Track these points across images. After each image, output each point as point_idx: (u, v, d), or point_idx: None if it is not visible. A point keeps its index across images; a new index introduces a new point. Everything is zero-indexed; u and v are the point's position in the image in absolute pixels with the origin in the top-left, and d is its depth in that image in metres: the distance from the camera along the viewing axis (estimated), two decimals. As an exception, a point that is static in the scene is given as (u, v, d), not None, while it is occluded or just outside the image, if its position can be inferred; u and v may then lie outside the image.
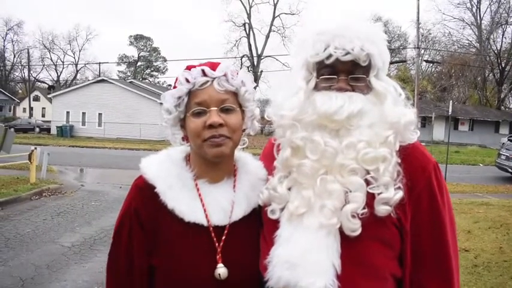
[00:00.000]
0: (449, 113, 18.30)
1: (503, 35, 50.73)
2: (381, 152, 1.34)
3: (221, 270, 1.40)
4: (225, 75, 1.42)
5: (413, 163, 1.40)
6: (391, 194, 1.32)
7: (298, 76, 1.47)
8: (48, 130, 40.87)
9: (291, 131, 1.42)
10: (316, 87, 1.43)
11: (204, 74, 1.42)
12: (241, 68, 1.51)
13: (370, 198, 1.32)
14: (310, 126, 1.40)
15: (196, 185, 1.48)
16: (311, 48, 1.42)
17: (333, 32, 1.39)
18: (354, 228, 1.30)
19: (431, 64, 49.95)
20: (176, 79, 1.47)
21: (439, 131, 39.70)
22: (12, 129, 14.27)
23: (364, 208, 1.30)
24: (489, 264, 6.02)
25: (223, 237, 1.45)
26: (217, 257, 1.42)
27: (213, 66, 1.44)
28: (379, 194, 1.32)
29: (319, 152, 1.36)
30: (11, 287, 5.23)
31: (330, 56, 1.37)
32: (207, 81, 1.41)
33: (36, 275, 5.65)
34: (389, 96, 1.41)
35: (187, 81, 1.42)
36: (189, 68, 1.46)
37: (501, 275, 5.65)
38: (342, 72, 1.39)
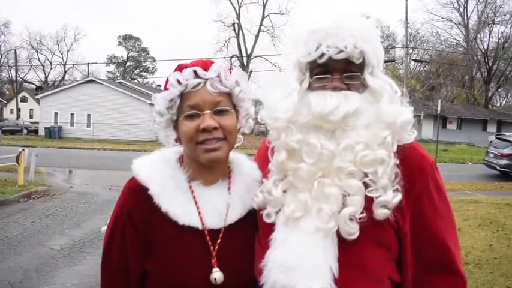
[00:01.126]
0: (438, 112, 18.48)
1: (490, 34, 51.31)
2: (379, 154, 1.31)
3: (217, 275, 1.37)
4: (218, 75, 1.38)
5: (411, 164, 1.37)
6: (389, 197, 1.29)
7: (291, 77, 1.44)
8: (36, 131, 40.41)
9: (286, 133, 1.38)
10: (310, 88, 1.40)
11: (196, 75, 1.37)
12: (230, 69, 1.46)
13: (369, 201, 1.30)
14: (305, 128, 1.37)
15: (190, 187, 1.44)
16: (303, 47, 1.39)
17: (324, 30, 1.36)
18: (352, 231, 1.28)
19: (419, 63, 50.34)
20: (167, 80, 1.42)
21: (427, 130, 39.97)
22: (-1, 131, 14.09)
23: (362, 212, 1.28)
24: (480, 262, 6.06)
25: (219, 241, 1.41)
26: (213, 260, 1.39)
27: (206, 65, 1.39)
28: (377, 197, 1.29)
29: (315, 155, 1.33)
30: (-1, 291, 5.16)
31: (323, 55, 1.34)
32: (200, 83, 1.37)
33: (24, 278, 5.56)
34: (385, 94, 1.39)
35: (179, 82, 1.37)
36: (180, 68, 1.41)
37: (491, 272, 5.69)
38: (336, 71, 1.36)
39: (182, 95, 1.39)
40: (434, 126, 37.82)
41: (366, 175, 1.32)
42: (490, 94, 52.20)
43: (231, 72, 1.43)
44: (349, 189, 1.30)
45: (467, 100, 52.44)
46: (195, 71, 1.37)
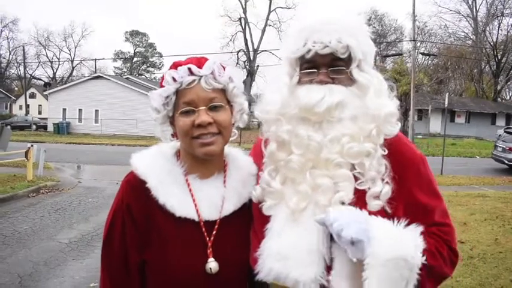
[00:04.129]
0: (446, 106, 18.34)
1: (499, 26, 50.72)
2: (365, 146, 1.36)
3: (212, 265, 1.42)
4: (212, 72, 1.42)
5: (401, 157, 1.42)
6: (379, 188, 1.34)
7: (283, 72, 1.51)
8: (44, 127, 40.78)
9: (276, 125, 1.44)
10: (300, 82, 1.45)
11: (190, 72, 1.41)
12: (237, 63, 1.51)
13: (362, 193, 1.35)
14: (294, 120, 1.42)
15: (186, 180, 1.49)
16: (292, 44, 1.45)
17: (311, 27, 1.42)
18: None
19: (427, 57, 49.73)
20: (163, 77, 1.47)
21: (435, 124, 39.75)
22: (8, 127, 14.25)
23: (352, 197, 1.33)
24: (484, 256, 6.05)
25: (214, 232, 1.46)
26: (208, 251, 1.44)
27: (200, 63, 1.44)
28: (368, 189, 1.34)
29: (303, 146, 1.38)
30: (9, 283, 5.25)
31: (309, 50, 1.40)
32: (194, 80, 1.41)
33: (34, 271, 5.67)
34: (372, 88, 1.43)
35: (174, 80, 1.42)
36: (175, 65, 1.46)
37: (496, 266, 5.69)
38: (322, 66, 1.42)
39: (177, 92, 1.44)
40: (442, 120, 37.53)
41: (354, 167, 1.37)
42: (499, 87, 51.68)
43: (224, 68, 1.47)
44: (338, 178, 1.36)
45: (476, 93, 51.93)
46: (189, 69, 1.41)
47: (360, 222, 1.24)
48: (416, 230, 1.29)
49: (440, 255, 1.37)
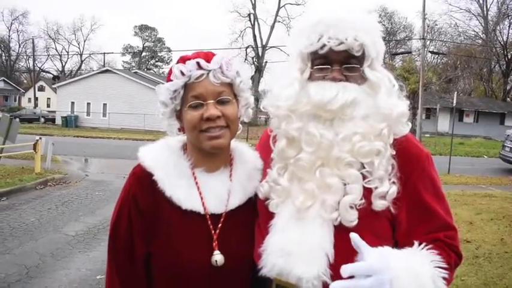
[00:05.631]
0: (454, 105, 18.23)
1: (509, 26, 50.06)
2: (376, 145, 1.36)
3: (218, 257, 1.43)
4: (220, 67, 1.43)
5: (408, 155, 1.42)
6: (386, 188, 1.34)
7: (293, 67, 1.49)
8: (53, 120, 41.03)
9: (286, 121, 1.44)
10: (311, 78, 1.44)
11: (199, 66, 1.42)
12: (245, 59, 1.51)
13: (367, 192, 1.35)
14: (305, 117, 1.42)
15: (193, 173, 1.50)
16: (305, 39, 1.43)
17: (327, 22, 1.40)
18: (352, 219, 1.33)
19: (436, 55, 49.30)
20: (170, 71, 1.48)
21: (443, 123, 39.46)
22: (17, 119, 14.36)
23: (361, 199, 1.33)
24: (490, 255, 6.04)
25: (220, 225, 1.47)
26: (214, 244, 1.45)
27: (208, 57, 1.44)
28: (375, 188, 1.34)
29: (314, 144, 1.38)
30: (16, 274, 5.31)
31: (324, 46, 1.38)
32: (203, 74, 1.42)
33: (40, 263, 5.73)
34: (383, 87, 1.42)
35: (183, 74, 1.43)
36: (183, 59, 1.46)
37: (501, 266, 5.67)
38: (336, 63, 1.41)
39: (186, 86, 1.44)
40: (450, 119, 37.30)
41: (363, 166, 1.37)
42: (508, 87, 51.14)
43: (232, 63, 1.47)
44: (348, 179, 1.35)
45: (485, 93, 51.45)
46: (198, 63, 1.42)
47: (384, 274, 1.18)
48: (430, 257, 1.29)
49: (451, 267, 1.36)
